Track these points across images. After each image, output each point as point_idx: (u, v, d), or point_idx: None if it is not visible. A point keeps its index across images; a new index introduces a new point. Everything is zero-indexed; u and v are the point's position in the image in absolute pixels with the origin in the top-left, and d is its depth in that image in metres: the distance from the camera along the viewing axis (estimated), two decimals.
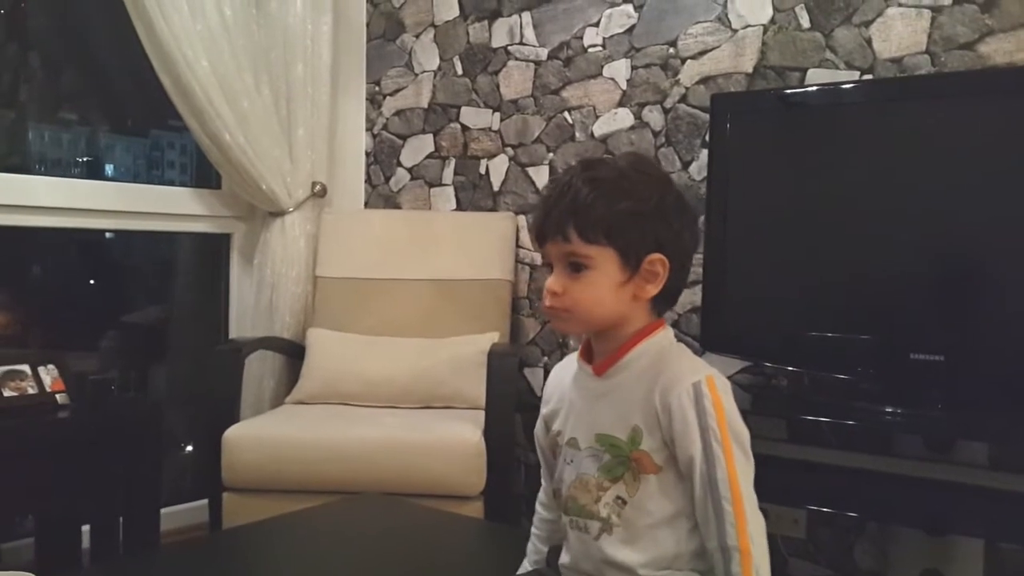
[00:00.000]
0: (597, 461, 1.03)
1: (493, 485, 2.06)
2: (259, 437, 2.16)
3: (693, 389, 0.97)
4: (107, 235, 2.86)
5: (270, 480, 2.10)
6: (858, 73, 2.18)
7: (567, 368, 1.14)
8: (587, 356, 1.09)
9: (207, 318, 3.00)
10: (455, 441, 2.08)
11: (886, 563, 2.03)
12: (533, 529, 1.22)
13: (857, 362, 1.94)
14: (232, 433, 2.14)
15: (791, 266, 2.06)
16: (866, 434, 1.93)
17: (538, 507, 1.22)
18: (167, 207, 2.74)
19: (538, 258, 2.78)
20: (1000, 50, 1.99)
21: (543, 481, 1.20)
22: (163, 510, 2.19)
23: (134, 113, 2.96)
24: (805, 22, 2.26)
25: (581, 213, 0.99)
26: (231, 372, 2.35)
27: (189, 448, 2.90)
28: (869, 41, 2.17)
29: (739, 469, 0.95)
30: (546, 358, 2.75)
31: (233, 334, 2.88)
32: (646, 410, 0.99)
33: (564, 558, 1.08)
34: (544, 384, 1.20)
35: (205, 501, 2.24)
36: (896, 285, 1.92)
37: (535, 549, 1.21)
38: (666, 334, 1.05)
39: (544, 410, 1.15)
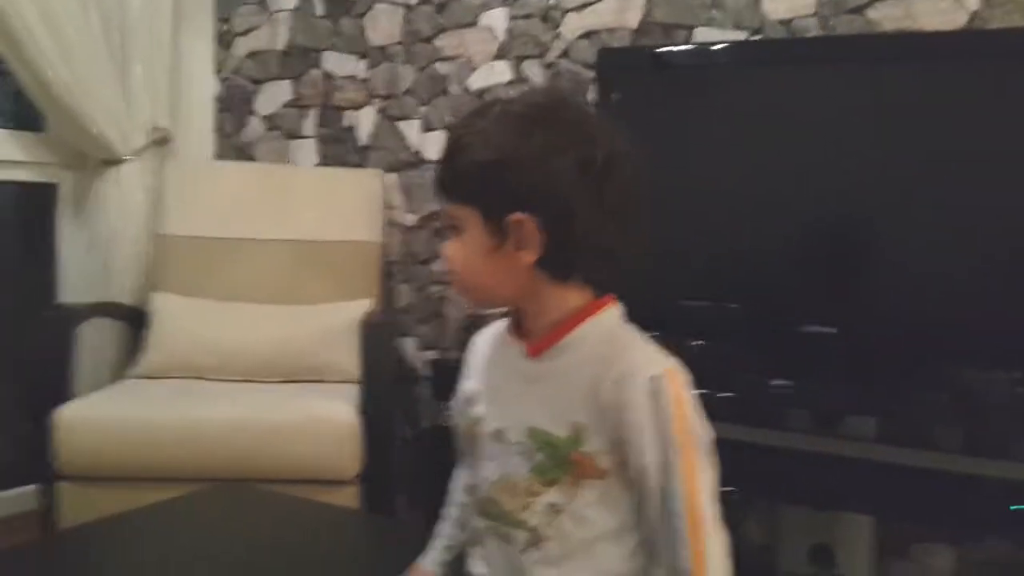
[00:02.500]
0: (528, 460, 0.87)
1: (371, 468, 1.90)
2: (97, 417, 1.91)
3: (651, 384, 0.82)
4: None
5: (111, 467, 1.87)
6: (746, 33, 2.12)
7: (491, 339, 0.97)
8: (517, 330, 0.93)
9: (30, 280, 2.66)
10: (326, 419, 1.90)
11: (775, 538, 2.01)
12: (448, 511, 1.06)
13: (748, 334, 1.90)
14: (65, 413, 1.88)
15: (681, 234, 1.98)
16: (754, 407, 1.89)
17: (455, 490, 1.06)
18: None
19: (411, 219, 2.61)
20: (889, 16, 1.97)
21: (463, 460, 1.04)
22: None
23: None
24: None
25: (444, 168, 0.87)
26: (61, 342, 2.06)
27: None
28: (758, 1, 2.11)
29: (698, 480, 0.82)
30: (422, 327, 2.60)
31: (62, 299, 2.56)
32: (592, 405, 0.84)
33: (479, 569, 0.93)
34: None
35: (33, 487, 1.97)
36: (789, 255, 1.88)
37: (448, 535, 1.05)
38: (612, 313, 0.89)
39: (464, 388, 0.98)
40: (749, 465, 1.78)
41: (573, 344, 0.87)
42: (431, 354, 2.55)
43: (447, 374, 2.31)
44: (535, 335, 0.90)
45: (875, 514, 1.84)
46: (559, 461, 0.85)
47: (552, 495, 0.86)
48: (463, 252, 0.87)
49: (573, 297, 0.88)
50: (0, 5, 2.15)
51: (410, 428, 2.60)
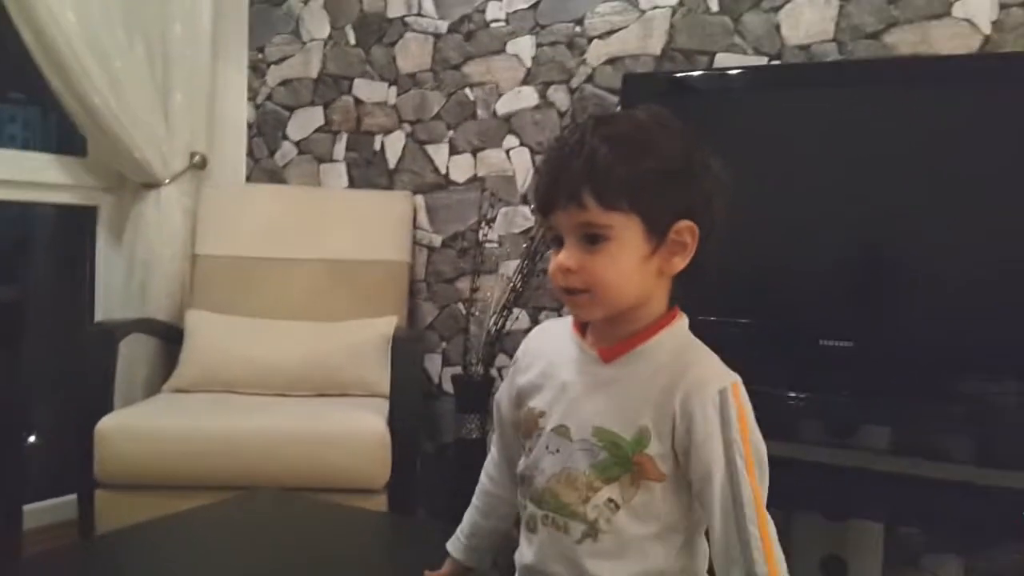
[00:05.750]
0: (590, 457, 0.91)
1: (398, 478, 1.95)
2: (137, 428, 1.97)
3: (719, 396, 0.86)
4: None
5: (150, 475, 1.92)
6: (766, 59, 2.18)
7: (553, 336, 1.00)
8: (583, 331, 0.96)
9: (68, 299, 2.74)
10: (358, 431, 1.95)
11: (787, 549, 2.03)
12: (474, 500, 1.10)
13: (765, 347, 1.94)
14: (106, 424, 1.94)
15: (699, 251, 2.03)
16: (768, 419, 1.92)
17: (484, 479, 1.10)
18: (20, 174, 2.46)
19: (436, 240, 2.67)
20: (904, 41, 2.02)
21: (494, 452, 1.08)
22: (26, 507, 1.96)
23: None
24: (714, 5, 2.25)
25: (599, 175, 0.85)
26: (103, 357, 2.13)
27: (35, 439, 2.62)
28: (778, 27, 2.17)
29: (761, 488, 0.86)
30: (444, 343, 2.65)
31: (99, 316, 2.64)
32: (660, 412, 0.88)
33: (527, 557, 0.96)
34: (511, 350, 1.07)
35: (73, 496, 2.03)
36: (806, 272, 1.92)
37: (472, 522, 1.09)
38: (683, 325, 0.94)
39: (520, 380, 1.00)
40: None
41: (647, 352, 0.91)
42: (454, 370, 2.61)
43: (469, 390, 2.39)
44: (609, 339, 0.93)
45: (887, 524, 1.86)
46: (621, 460, 0.89)
47: (611, 491, 0.89)
48: (613, 260, 0.86)
49: (660, 305, 0.92)
50: (52, 37, 2.24)
51: (432, 442, 2.65)
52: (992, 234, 1.73)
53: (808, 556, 1.93)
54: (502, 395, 1.05)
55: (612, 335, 0.93)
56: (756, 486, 0.86)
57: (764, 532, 0.85)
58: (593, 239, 0.87)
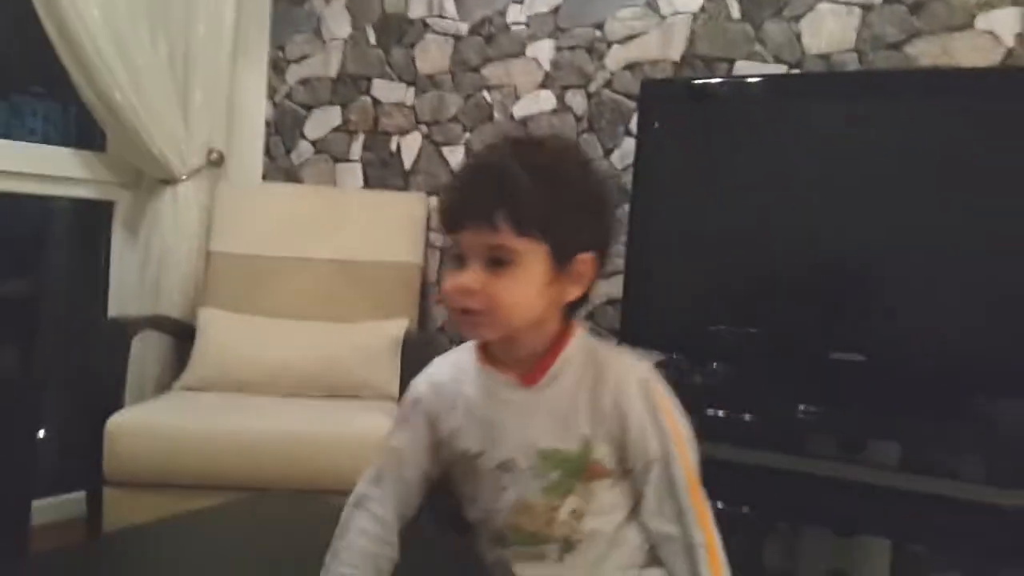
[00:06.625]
0: (542, 480, 0.91)
1: None
2: (149, 426, 1.96)
3: (640, 387, 0.91)
4: None
5: (160, 474, 1.92)
6: (786, 67, 2.16)
7: (458, 373, 0.97)
8: (491, 360, 0.95)
9: (82, 294, 2.75)
10: (367, 433, 1.92)
11: (794, 563, 2.02)
12: (347, 559, 0.96)
13: (776, 360, 1.93)
14: (117, 421, 1.93)
15: (714, 260, 2.02)
16: (780, 432, 1.91)
17: (363, 542, 0.97)
18: (39, 167, 2.47)
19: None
20: (926, 52, 2.00)
21: (379, 511, 0.98)
22: (35, 503, 1.97)
23: None
24: (735, 13, 2.23)
25: (518, 201, 0.85)
26: (116, 353, 2.13)
27: (46, 434, 2.62)
28: (799, 36, 2.15)
29: (692, 460, 0.91)
30: (454, 346, 2.64)
31: (112, 312, 2.65)
32: (596, 416, 0.90)
33: None
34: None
35: (82, 493, 2.03)
36: (818, 283, 1.91)
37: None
38: (584, 332, 0.96)
39: (441, 427, 0.96)
40: (771, 489, 1.80)
41: (564, 367, 0.93)
42: None
43: None
44: (521, 364, 0.93)
45: (894, 540, 1.85)
46: (574, 473, 0.91)
47: (571, 503, 0.91)
48: (515, 284, 0.86)
49: (556, 322, 0.94)
50: (76, 32, 2.25)
51: None
52: (1009, 250, 1.71)
53: (814, 570, 1.92)
54: (408, 444, 0.98)
55: (517, 356, 0.93)
56: (687, 459, 0.90)
57: (697, 499, 0.89)
58: (499, 262, 0.87)
